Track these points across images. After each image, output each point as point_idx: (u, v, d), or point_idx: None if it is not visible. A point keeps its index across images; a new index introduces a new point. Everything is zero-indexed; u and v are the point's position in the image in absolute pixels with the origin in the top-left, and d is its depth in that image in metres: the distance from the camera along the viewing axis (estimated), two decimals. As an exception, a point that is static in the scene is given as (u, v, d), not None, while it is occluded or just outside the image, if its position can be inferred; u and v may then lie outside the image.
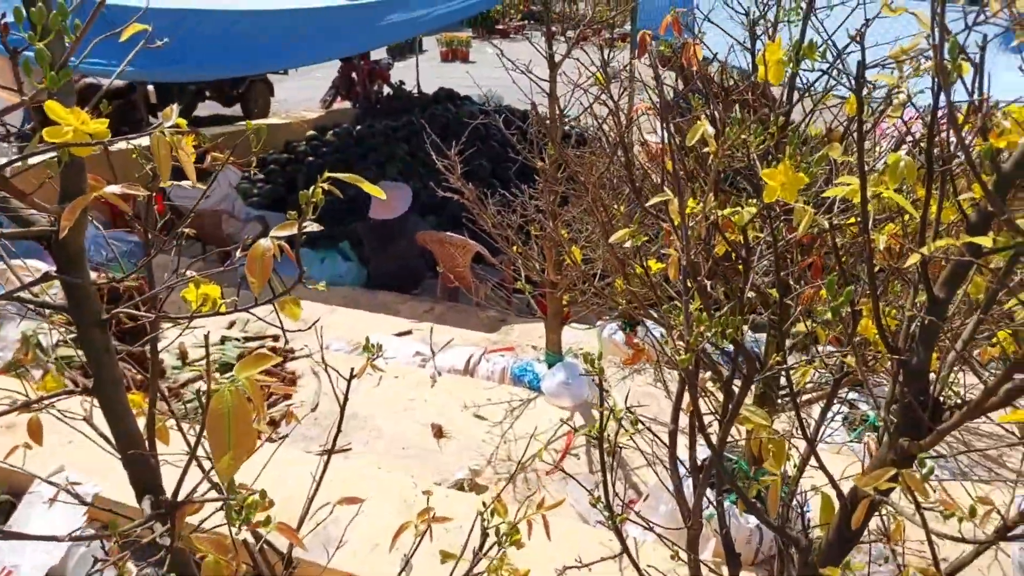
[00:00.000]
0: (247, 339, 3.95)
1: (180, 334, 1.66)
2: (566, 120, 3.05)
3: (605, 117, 2.47)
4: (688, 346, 0.95)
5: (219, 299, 1.17)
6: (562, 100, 2.96)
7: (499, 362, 3.73)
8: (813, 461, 1.27)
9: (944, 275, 1.05)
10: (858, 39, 0.96)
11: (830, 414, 3.30)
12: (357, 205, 6.25)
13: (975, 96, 0.92)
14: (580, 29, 3.23)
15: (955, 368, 1.20)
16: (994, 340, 1.49)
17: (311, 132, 8.76)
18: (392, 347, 3.88)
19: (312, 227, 1.10)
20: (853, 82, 1.20)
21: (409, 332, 4.31)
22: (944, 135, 1.48)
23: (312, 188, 1.01)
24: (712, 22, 2.11)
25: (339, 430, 1.80)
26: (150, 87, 9.39)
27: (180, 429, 1.32)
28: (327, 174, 1.01)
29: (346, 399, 1.79)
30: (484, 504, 1.53)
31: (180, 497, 1.05)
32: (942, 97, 0.96)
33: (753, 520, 2.63)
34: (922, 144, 1.16)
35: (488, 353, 3.88)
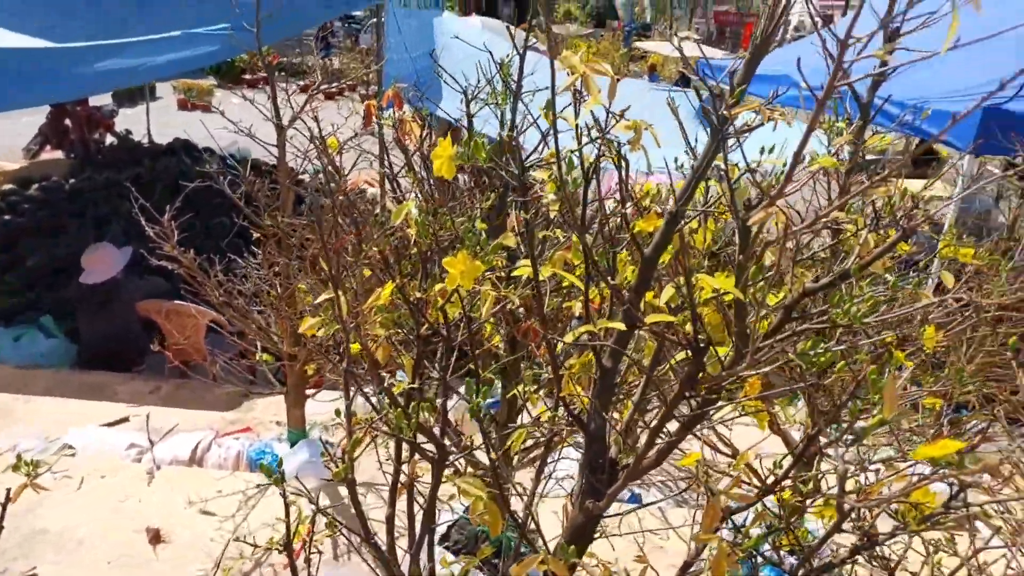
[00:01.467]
0: None
1: None
2: (301, 182, 2.94)
3: (337, 187, 2.41)
4: (347, 457, 0.91)
5: None
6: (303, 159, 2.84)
7: (233, 446, 3.40)
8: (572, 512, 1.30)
9: (609, 347, 1.15)
10: (511, 140, 1.02)
11: (566, 462, 3.49)
12: (69, 269, 5.41)
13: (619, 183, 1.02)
14: (312, 91, 3.16)
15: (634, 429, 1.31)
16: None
17: (8, 186, 7.47)
18: (100, 440, 3.35)
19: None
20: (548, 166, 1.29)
21: (125, 419, 3.77)
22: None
23: None
24: (428, 98, 2.17)
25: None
26: None
27: None
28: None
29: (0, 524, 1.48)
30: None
31: None
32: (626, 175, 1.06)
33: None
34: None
35: (220, 437, 3.52)
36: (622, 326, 0.97)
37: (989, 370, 3.12)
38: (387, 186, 2.43)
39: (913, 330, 1.78)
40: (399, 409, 0.97)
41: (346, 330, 1.04)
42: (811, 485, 1.62)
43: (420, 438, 1.56)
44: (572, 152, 0.93)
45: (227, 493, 3.05)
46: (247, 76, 15.32)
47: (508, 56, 1.88)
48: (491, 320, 1.77)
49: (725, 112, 0.88)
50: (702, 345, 0.89)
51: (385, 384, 1.18)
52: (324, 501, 3.22)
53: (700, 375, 0.91)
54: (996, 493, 1.90)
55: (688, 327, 0.91)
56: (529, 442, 2.03)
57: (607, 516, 1.32)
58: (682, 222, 1.09)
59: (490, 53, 1.98)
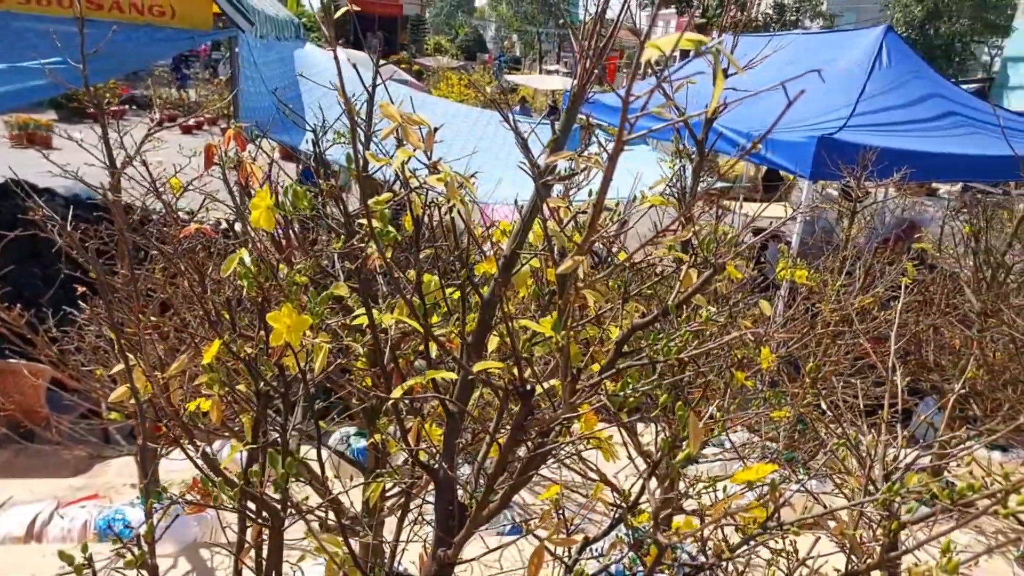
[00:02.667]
0: None
1: None
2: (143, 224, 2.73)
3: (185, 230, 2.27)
4: (143, 541, 0.84)
5: None
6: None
7: (78, 516, 3.08)
8: None
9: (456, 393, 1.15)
10: (333, 189, 0.99)
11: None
12: None
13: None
14: (152, 128, 3.00)
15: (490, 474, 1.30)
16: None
17: None
18: (-90, 525, 2.92)
19: None
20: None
21: (-54, 497, 3.31)
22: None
23: None
24: (272, 138, 2.10)
25: None
26: None
27: None
28: None
29: None
30: None
31: None
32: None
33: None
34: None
35: (64, 507, 3.18)
36: (452, 375, 0.96)
37: (830, 378, 3.40)
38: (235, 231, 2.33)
39: (752, 352, 1.90)
40: (220, 478, 0.91)
41: (138, 402, 0.97)
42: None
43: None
44: (386, 204, 0.92)
45: (72, 569, 2.74)
46: (92, 110, 14.28)
47: (355, 94, 1.85)
48: (360, 363, 1.72)
49: (542, 162, 0.90)
50: (528, 390, 0.89)
51: (204, 448, 1.10)
52: (185, 567, 2.98)
53: (529, 419, 0.92)
54: (838, 493, 2.03)
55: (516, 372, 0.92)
56: (396, 489, 1.97)
57: (465, 560, 1.29)
58: (518, 266, 1.10)
59: (339, 88, 1.94)
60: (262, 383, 1.19)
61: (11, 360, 4.17)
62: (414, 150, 0.96)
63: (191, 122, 13.69)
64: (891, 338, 1.39)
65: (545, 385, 0.88)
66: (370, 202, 0.94)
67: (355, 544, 2.23)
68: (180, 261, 1.80)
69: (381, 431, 1.46)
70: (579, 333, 0.99)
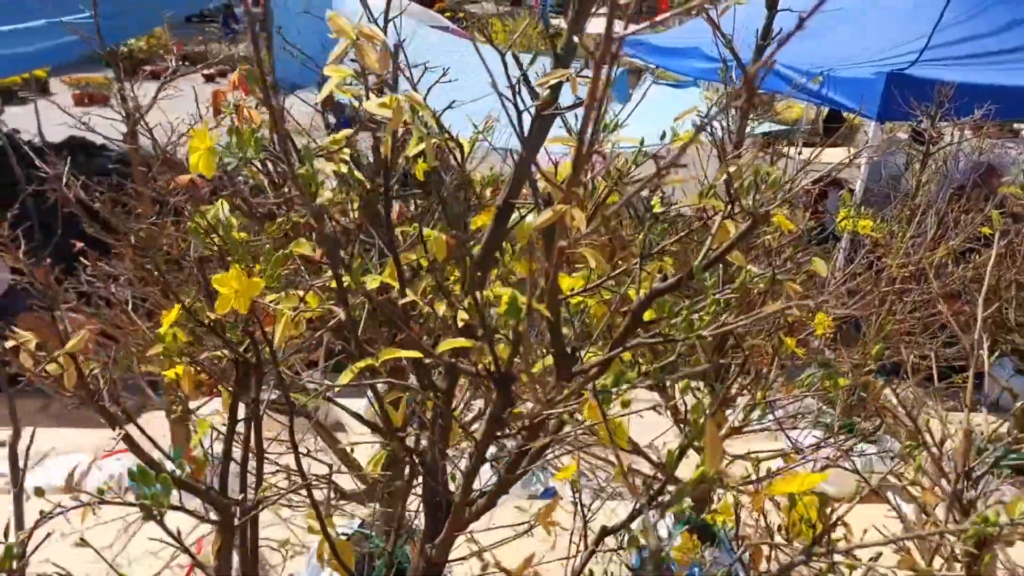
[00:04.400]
0: None
1: None
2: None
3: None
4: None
5: None
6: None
7: (115, 468, 3.11)
8: None
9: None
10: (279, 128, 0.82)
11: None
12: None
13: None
14: (165, 78, 2.89)
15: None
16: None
17: None
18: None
19: None
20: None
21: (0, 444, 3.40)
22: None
23: None
24: (282, 84, 1.94)
25: None
26: None
27: None
28: None
29: None
30: None
31: None
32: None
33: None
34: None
35: (102, 459, 3.22)
36: (413, 354, 0.79)
37: (900, 336, 3.12)
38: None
39: (806, 316, 1.68)
40: (143, 466, 0.78)
41: (56, 362, 0.84)
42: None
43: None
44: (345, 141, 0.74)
45: (107, 520, 2.76)
46: (148, 68, 14.41)
47: (402, 38, 1.67)
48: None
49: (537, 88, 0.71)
50: (505, 375, 0.72)
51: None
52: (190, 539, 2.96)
53: (510, 411, 0.76)
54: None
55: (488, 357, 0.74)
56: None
57: (471, 547, 1.15)
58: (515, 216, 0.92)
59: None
60: (234, 353, 1.05)
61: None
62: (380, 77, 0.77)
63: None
64: (982, 288, 1.16)
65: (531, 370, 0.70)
66: (327, 139, 0.77)
67: (366, 511, 2.13)
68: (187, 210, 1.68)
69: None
70: (576, 304, 0.81)
